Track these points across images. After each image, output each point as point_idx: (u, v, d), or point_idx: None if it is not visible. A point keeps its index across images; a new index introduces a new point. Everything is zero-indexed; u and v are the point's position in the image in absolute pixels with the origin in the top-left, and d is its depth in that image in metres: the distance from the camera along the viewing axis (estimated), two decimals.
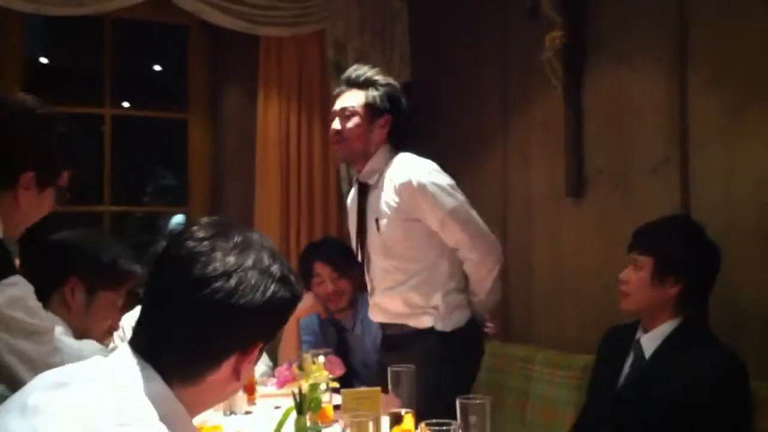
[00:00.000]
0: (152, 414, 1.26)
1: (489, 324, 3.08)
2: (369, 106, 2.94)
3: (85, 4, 3.98)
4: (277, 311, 1.39)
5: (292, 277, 1.42)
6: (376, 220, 2.92)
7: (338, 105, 2.98)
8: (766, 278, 2.70)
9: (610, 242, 3.13)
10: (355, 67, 3.05)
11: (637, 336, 2.56)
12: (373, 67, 3.05)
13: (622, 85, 3.29)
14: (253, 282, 1.34)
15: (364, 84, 2.97)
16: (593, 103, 3.43)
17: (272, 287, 1.36)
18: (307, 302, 3.63)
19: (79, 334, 2.25)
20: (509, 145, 3.95)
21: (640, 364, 2.52)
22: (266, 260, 1.38)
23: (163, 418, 1.27)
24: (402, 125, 3.00)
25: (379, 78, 2.98)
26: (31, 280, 1.84)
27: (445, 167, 2.97)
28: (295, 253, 4.37)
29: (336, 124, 2.96)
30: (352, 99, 2.95)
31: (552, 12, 3.46)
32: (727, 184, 2.84)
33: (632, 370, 2.53)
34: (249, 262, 1.35)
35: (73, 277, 2.25)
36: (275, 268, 1.38)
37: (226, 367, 1.36)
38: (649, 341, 2.51)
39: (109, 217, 4.51)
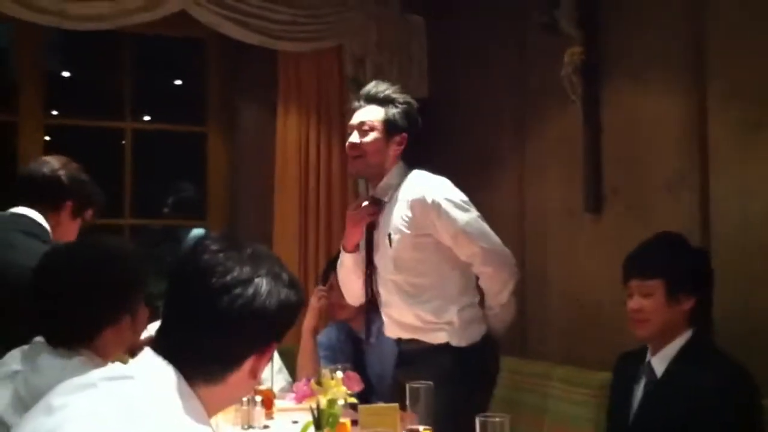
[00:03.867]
0: (176, 410, 1.34)
1: None
2: (387, 123, 2.96)
3: (105, 19, 4.03)
4: (289, 313, 1.50)
5: (298, 283, 1.54)
6: (389, 236, 2.93)
7: (356, 119, 3.00)
8: None
9: None
10: (375, 83, 3.07)
11: (647, 358, 2.57)
12: (393, 84, 3.07)
13: (639, 101, 3.29)
14: (268, 288, 1.44)
15: (384, 101, 2.98)
16: (611, 120, 3.43)
17: (284, 292, 1.47)
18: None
19: (128, 351, 2.19)
20: (526, 162, 3.96)
21: (652, 387, 2.52)
22: (276, 268, 1.49)
23: (186, 417, 1.34)
24: (417, 144, 3.02)
25: (399, 96, 3.00)
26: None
27: (462, 183, 2.97)
28: (313, 266, 4.39)
29: (354, 138, 2.98)
30: (371, 114, 2.97)
31: (570, 28, 3.47)
32: (745, 202, 2.83)
33: (645, 393, 2.54)
34: (263, 270, 1.46)
35: (126, 315, 2.06)
36: (285, 275, 1.50)
37: (245, 367, 1.45)
38: (660, 361, 2.52)
39: (129, 230, 4.54)
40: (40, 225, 2.76)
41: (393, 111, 2.96)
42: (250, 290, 1.42)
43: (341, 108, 4.50)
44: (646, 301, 2.51)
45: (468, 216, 2.87)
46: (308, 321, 3.60)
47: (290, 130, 4.46)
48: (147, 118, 5.12)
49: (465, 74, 4.43)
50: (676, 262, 2.52)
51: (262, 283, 1.44)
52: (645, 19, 3.27)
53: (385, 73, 4.41)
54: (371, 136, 2.95)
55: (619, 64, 3.39)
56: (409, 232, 2.88)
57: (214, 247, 1.46)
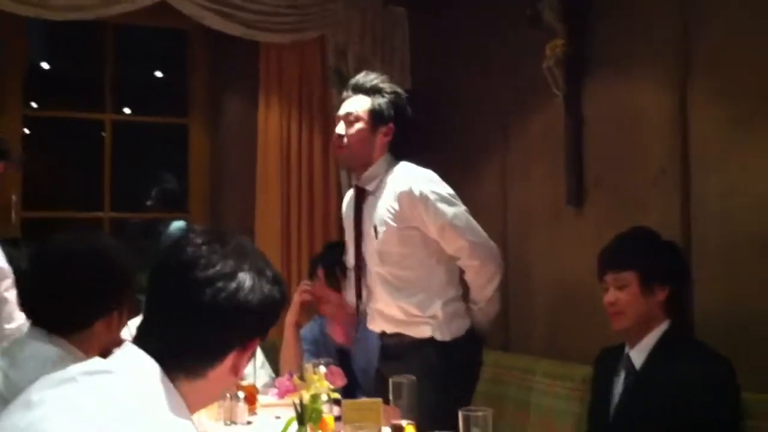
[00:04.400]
0: (157, 404, 1.33)
1: None
2: (373, 113, 2.95)
3: (86, 9, 3.99)
4: (271, 310, 1.48)
5: (282, 279, 1.53)
6: (375, 228, 2.92)
7: (343, 110, 2.99)
8: (766, 290, 2.71)
9: None
10: (364, 73, 3.06)
11: (626, 351, 2.59)
12: (381, 74, 3.06)
13: (623, 95, 3.29)
14: (251, 283, 1.43)
15: (371, 90, 2.97)
16: (594, 113, 3.43)
17: (267, 287, 1.46)
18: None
19: (104, 350, 2.18)
20: (509, 155, 3.95)
21: (632, 379, 2.54)
22: (261, 263, 1.48)
23: (168, 411, 1.34)
24: (404, 135, 3.01)
25: (386, 86, 2.99)
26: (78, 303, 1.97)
27: (445, 177, 2.97)
28: (295, 258, 4.38)
29: (340, 129, 2.97)
30: (357, 104, 2.96)
31: (554, 21, 3.46)
32: (728, 196, 2.84)
33: (625, 386, 2.56)
34: (246, 265, 1.45)
35: (117, 310, 2.06)
36: (268, 271, 1.48)
37: (227, 362, 1.44)
38: (638, 353, 2.55)
39: (108, 223, 4.51)
40: None
41: (379, 101, 2.95)
42: (233, 284, 1.41)
43: (323, 99, 4.50)
44: (621, 293, 2.55)
45: (455, 209, 2.86)
46: (291, 315, 3.57)
47: (272, 121, 4.44)
48: (127, 110, 5.08)
49: (448, 67, 4.42)
50: (648, 253, 2.57)
51: (246, 278, 1.43)
52: (630, 12, 3.27)
53: (368, 64, 4.39)
54: (356, 127, 2.94)
55: (602, 58, 3.39)
56: (395, 224, 2.87)
57: (197, 240, 1.45)
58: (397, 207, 2.87)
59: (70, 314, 1.99)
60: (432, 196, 2.84)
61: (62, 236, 2.15)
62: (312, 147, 4.52)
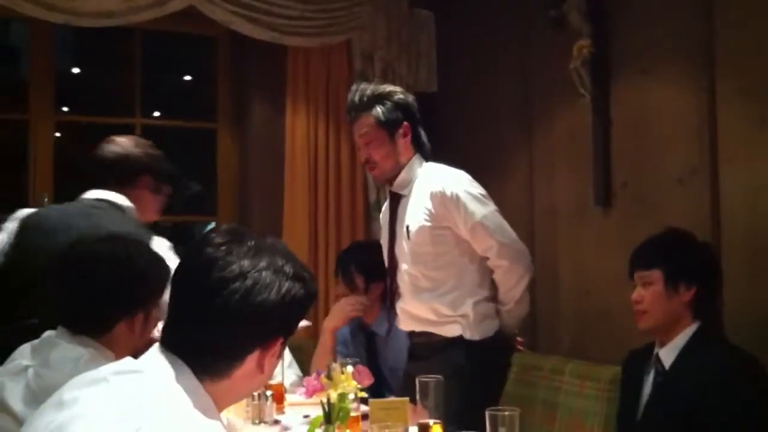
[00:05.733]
0: (187, 404, 1.35)
1: (519, 339, 3.09)
2: (381, 124, 2.95)
3: (115, 16, 4.03)
4: (292, 307, 1.48)
5: (307, 275, 1.51)
6: (407, 228, 2.93)
7: (356, 134, 3.02)
8: None
9: None
10: (353, 90, 3.03)
11: (655, 350, 2.58)
12: (376, 82, 3.10)
13: (650, 95, 3.28)
14: (267, 281, 1.43)
15: (368, 105, 2.97)
16: (621, 113, 3.42)
17: (286, 285, 1.45)
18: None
19: (134, 352, 2.19)
20: (534, 156, 3.95)
21: (661, 379, 2.53)
22: (279, 261, 1.47)
23: (197, 411, 1.35)
24: (420, 128, 3.03)
25: (382, 90, 2.99)
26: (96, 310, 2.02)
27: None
28: (323, 261, 4.39)
29: (363, 154, 3.00)
30: (363, 125, 2.97)
31: (580, 22, 3.46)
32: (755, 195, 2.82)
33: (654, 386, 2.55)
34: (263, 263, 1.45)
35: (140, 312, 2.10)
36: (288, 268, 1.48)
37: (250, 361, 1.45)
38: (668, 353, 2.53)
39: None
40: (119, 205, 2.70)
41: (380, 110, 2.95)
42: (248, 284, 1.42)
43: None
44: (646, 291, 2.55)
45: (486, 209, 2.87)
46: (333, 321, 3.55)
47: (299, 125, 4.46)
48: (156, 114, 5.13)
49: (473, 69, 4.43)
50: (674, 252, 2.56)
51: (261, 277, 1.43)
52: (654, 12, 3.26)
53: (394, 68, 4.42)
54: (375, 146, 2.96)
55: (628, 58, 3.38)
56: (427, 224, 2.88)
57: (217, 241, 1.47)
58: (429, 206, 2.88)
59: (91, 316, 2.03)
60: (464, 196, 2.85)
61: (88, 240, 2.19)
62: (339, 150, 4.54)
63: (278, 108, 4.51)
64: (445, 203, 2.85)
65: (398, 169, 2.99)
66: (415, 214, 2.91)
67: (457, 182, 2.89)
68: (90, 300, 2.02)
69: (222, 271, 1.42)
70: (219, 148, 4.68)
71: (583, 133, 3.53)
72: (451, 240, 2.90)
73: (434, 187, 2.88)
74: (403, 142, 2.98)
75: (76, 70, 5.75)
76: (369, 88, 3.00)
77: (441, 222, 2.88)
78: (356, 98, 2.99)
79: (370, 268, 3.50)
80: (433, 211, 2.87)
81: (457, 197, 2.84)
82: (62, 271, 2.09)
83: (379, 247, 3.20)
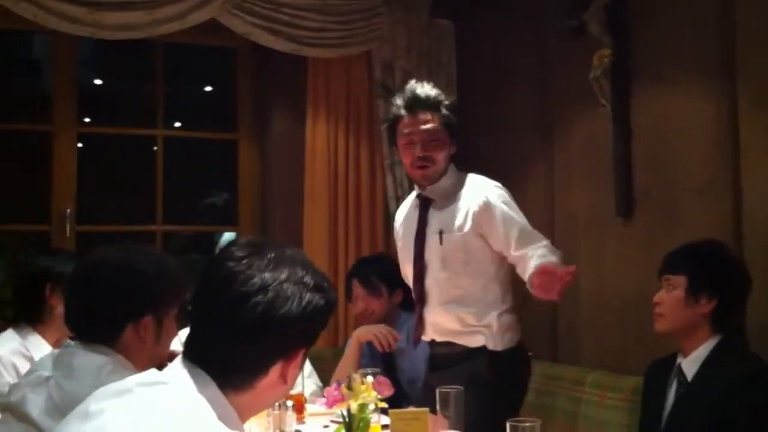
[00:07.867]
0: (211, 416, 1.36)
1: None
2: (447, 126, 2.97)
3: (137, 29, 4.06)
4: (313, 318, 1.48)
5: (326, 285, 1.52)
6: (440, 233, 2.94)
7: (411, 128, 2.95)
8: None
9: (658, 263, 3.10)
10: (420, 86, 3.00)
11: (677, 361, 2.56)
12: (431, 85, 3.04)
13: (671, 104, 3.27)
14: (289, 293, 1.44)
15: (435, 104, 2.97)
16: (641, 123, 3.41)
17: (307, 296, 1.46)
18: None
19: (154, 363, 2.19)
20: (554, 166, 3.95)
21: (684, 390, 2.52)
22: (299, 272, 1.48)
23: (220, 423, 1.36)
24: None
25: (443, 96, 3.01)
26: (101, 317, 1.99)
27: None
28: (343, 272, 4.39)
29: (420, 150, 2.93)
30: (429, 121, 2.95)
31: (600, 31, 3.45)
32: None
33: (677, 397, 2.54)
34: (283, 275, 1.45)
35: (148, 316, 2.06)
36: (308, 279, 1.48)
37: (273, 372, 1.45)
38: (690, 364, 2.52)
39: (161, 236, 4.58)
40: None
41: (446, 113, 2.97)
42: (270, 297, 1.42)
43: (370, 114, 4.52)
44: (668, 295, 2.56)
45: (523, 221, 2.90)
46: (365, 336, 3.58)
47: (319, 136, 4.48)
48: (178, 125, 5.16)
49: (493, 78, 4.42)
50: (701, 261, 2.55)
51: (283, 289, 1.44)
52: (675, 21, 3.25)
53: (415, 77, 4.40)
54: (437, 145, 2.96)
55: (648, 67, 3.37)
56: (464, 230, 2.90)
57: (238, 254, 1.47)
58: (469, 214, 2.90)
59: (98, 320, 2.01)
60: (506, 207, 2.90)
61: (99, 250, 2.19)
62: (359, 161, 4.54)
63: (299, 118, 4.52)
64: (488, 210, 2.88)
65: (442, 173, 3.00)
66: (453, 220, 2.93)
67: (498, 193, 2.94)
68: (96, 303, 2.02)
69: (244, 285, 1.42)
70: (240, 159, 4.70)
71: (603, 142, 3.52)
72: (481, 248, 2.92)
73: (477, 195, 2.91)
74: (451, 151, 3.00)
75: (98, 81, 5.80)
76: (433, 89, 2.99)
77: (477, 229, 2.90)
78: (421, 94, 2.96)
79: (391, 277, 3.52)
80: (476, 220, 2.89)
81: (501, 206, 2.88)
82: (72, 282, 2.11)
83: (388, 258, 3.20)
